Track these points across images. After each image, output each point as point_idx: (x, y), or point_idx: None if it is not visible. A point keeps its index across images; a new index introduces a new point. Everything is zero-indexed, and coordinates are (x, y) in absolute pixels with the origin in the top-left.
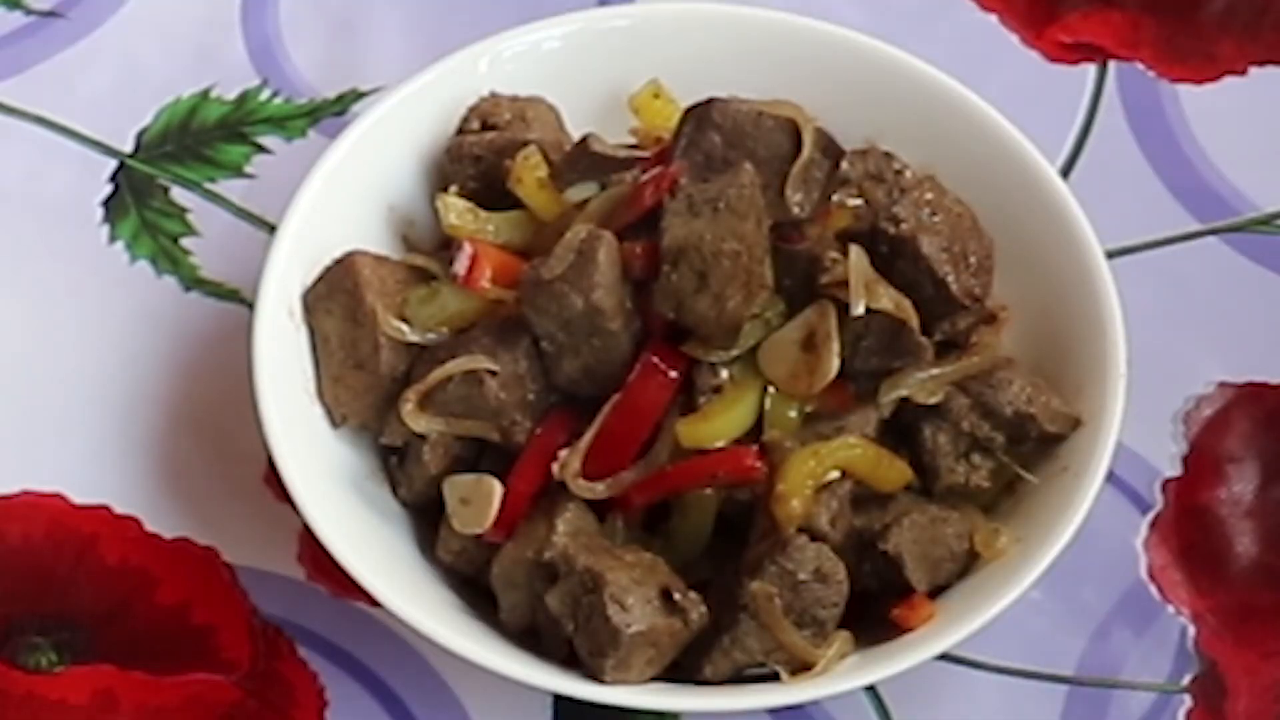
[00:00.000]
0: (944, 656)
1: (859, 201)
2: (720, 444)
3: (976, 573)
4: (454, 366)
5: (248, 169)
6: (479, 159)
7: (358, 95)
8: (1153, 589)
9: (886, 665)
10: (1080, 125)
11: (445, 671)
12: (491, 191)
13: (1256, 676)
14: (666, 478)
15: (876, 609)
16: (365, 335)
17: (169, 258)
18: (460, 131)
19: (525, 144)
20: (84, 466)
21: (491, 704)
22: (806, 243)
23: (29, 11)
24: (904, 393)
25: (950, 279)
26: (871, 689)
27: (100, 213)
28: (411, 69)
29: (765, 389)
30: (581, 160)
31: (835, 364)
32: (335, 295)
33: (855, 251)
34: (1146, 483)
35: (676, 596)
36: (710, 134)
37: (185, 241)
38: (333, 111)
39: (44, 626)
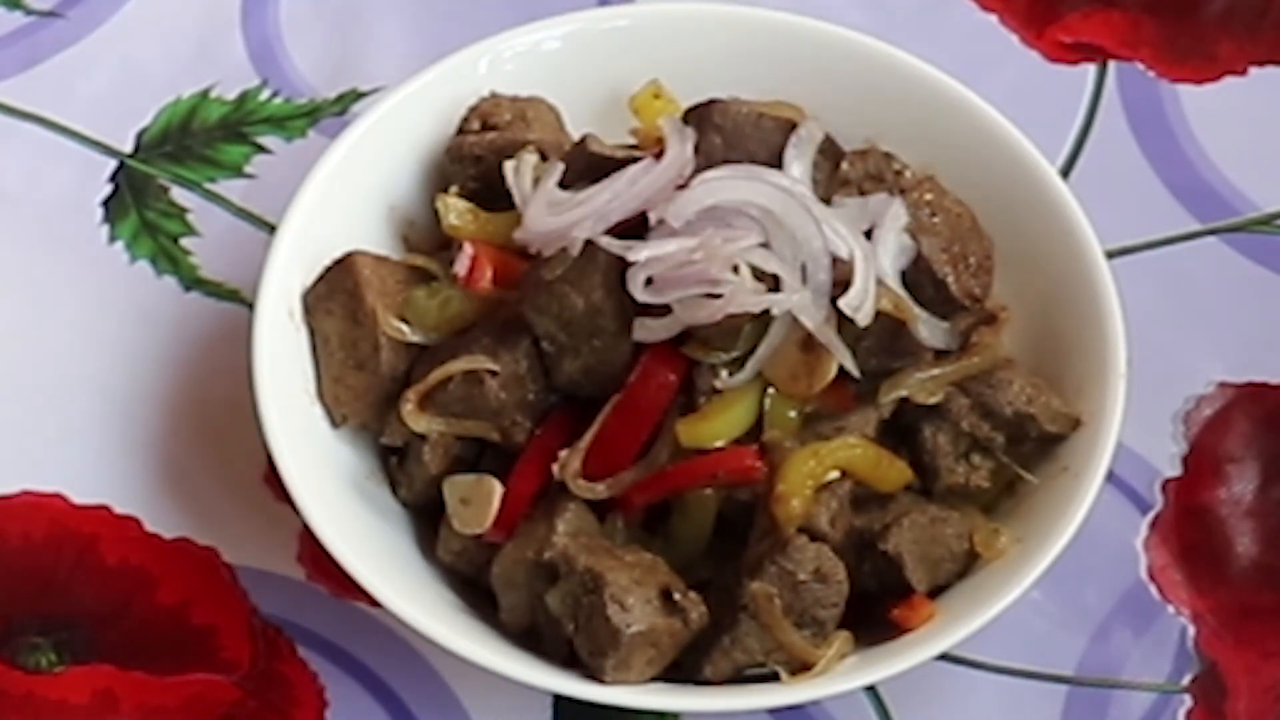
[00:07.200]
0: (944, 656)
1: None
2: (720, 444)
3: (976, 573)
4: (454, 366)
5: (248, 169)
6: (479, 159)
7: (358, 95)
8: (1153, 589)
9: (886, 665)
10: (1080, 125)
11: (445, 671)
12: (492, 192)
13: (1257, 676)
14: (667, 478)
15: (876, 609)
16: (365, 335)
17: (169, 258)
18: (460, 132)
19: (525, 144)
20: (84, 466)
21: (491, 704)
22: None
23: (29, 11)
24: (904, 393)
25: (950, 279)
26: (871, 689)
27: (100, 213)
28: (411, 69)
29: (765, 389)
30: (581, 160)
31: (835, 365)
32: (335, 295)
33: None
34: (1146, 483)
35: (677, 597)
36: (710, 135)
37: (185, 241)
38: (333, 111)
39: (44, 626)
